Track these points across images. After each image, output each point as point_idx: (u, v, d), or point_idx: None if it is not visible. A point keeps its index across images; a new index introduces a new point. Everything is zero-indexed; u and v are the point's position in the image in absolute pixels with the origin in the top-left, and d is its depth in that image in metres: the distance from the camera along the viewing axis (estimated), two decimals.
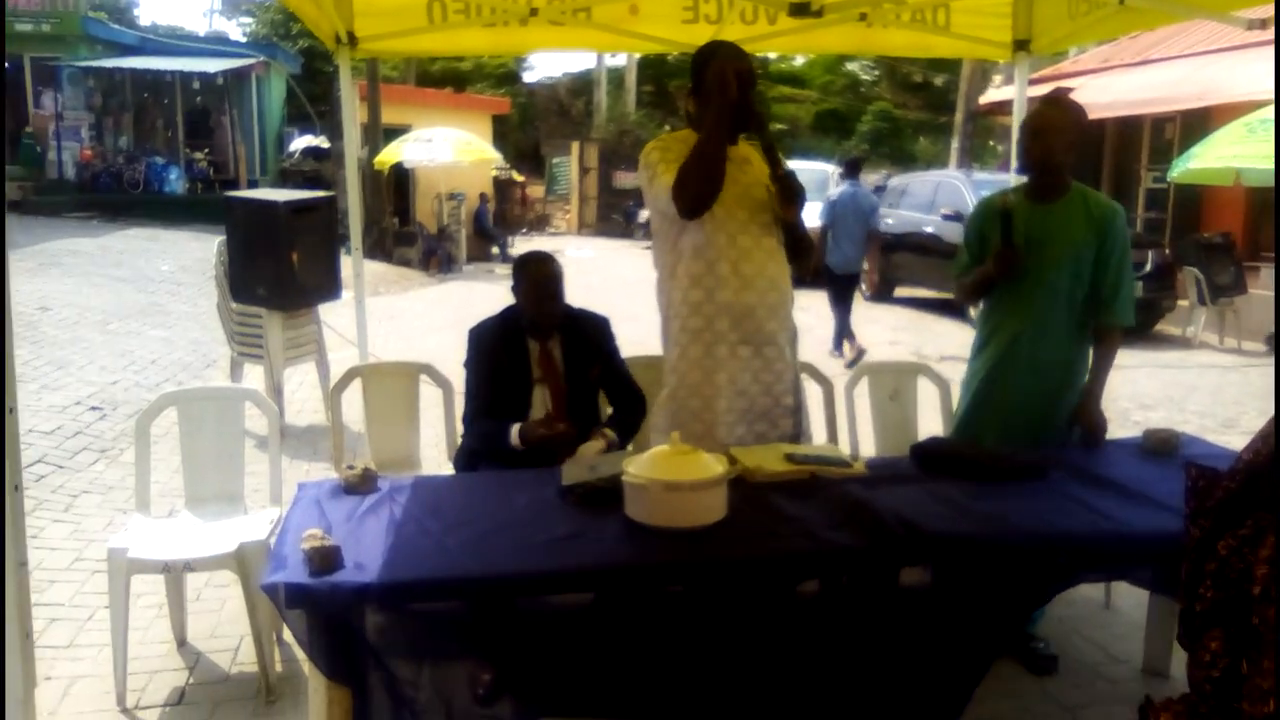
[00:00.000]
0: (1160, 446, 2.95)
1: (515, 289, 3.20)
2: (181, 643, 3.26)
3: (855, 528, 2.31)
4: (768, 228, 2.90)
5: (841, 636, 2.48)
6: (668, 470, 2.31)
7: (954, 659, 2.35)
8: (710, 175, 2.73)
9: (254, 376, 6.17)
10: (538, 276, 3.15)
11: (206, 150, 20.05)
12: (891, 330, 10.75)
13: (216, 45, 21.35)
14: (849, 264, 8.76)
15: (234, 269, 5.87)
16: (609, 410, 3.30)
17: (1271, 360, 9.10)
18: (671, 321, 2.96)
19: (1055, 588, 2.61)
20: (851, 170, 9.42)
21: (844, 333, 8.81)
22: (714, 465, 2.36)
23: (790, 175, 2.85)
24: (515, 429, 3.02)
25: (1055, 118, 3.04)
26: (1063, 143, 3.01)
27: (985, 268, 3.10)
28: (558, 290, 3.16)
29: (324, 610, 2.07)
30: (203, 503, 3.31)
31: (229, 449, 3.37)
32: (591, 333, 3.26)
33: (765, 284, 2.89)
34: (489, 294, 12.96)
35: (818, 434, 3.40)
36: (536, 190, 26.21)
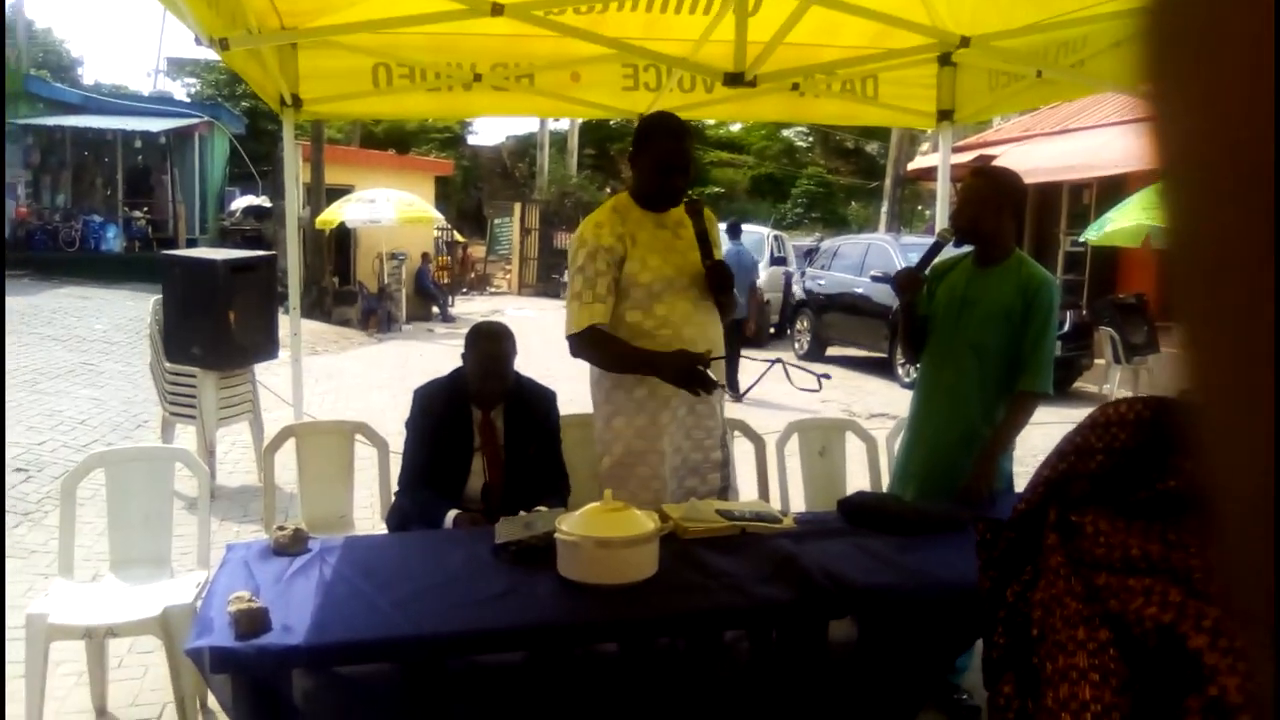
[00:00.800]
0: None
1: (464, 357, 3.21)
2: (101, 712, 3.16)
3: (784, 582, 2.36)
4: (705, 290, 2.97)
5: (771, 690, 2.51)
6: (600, 527, 2.34)
7: (881, 710, 2.39)
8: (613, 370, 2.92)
9: (186, 437, 6.07)
10: (486, 353, 3.15)
11: (146, 209, 19.76)
12: (823, 388, 10.92)
13: (160, 105, 21.20)
14: (736, 312, 9.52)
15: (169, 328, 5.80)
16: None
17: None
18: (615, 391, 2.97)
19: (975, 637, 2.68)
20: (734, 232, 10.84)
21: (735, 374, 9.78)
22: (645, 522, 2.39)
23: (720, 264, 2.95)
24: (451, 516, 3.00)
25: (979, 188, 3.15)
26: (987, 210, 3.11)
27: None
28: (505, 370, 3.17)
29: (250, 674, 2.04)
30: (128, 566, 3.24)
31: (157, 510, 3.31)
32: (535, 407, 3.26)
33: (705, 345, 2.93)
34: (428, 353, 12.95)
35: (749, 489, 3.46)
36: (478, 250, 26.31)
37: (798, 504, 3.70)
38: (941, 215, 5.00)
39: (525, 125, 32.21)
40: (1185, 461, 1.36)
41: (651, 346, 2.87)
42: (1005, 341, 3.10)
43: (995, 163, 13.60)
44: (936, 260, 3.31)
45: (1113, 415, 1.45)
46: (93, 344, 10.61)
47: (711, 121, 31.86)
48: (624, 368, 2.89)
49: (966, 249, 3.25)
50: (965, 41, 3.91)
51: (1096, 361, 10.87)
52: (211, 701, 2.99)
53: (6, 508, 5.19)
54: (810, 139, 33.92)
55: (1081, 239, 10.09)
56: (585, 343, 2.90)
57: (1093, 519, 1.42)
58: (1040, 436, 7.34)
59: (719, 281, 2.93)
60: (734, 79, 4.07)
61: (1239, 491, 0.35)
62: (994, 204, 3.13)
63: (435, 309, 19.01)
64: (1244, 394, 0.34)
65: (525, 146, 31.95)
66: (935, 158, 9.54)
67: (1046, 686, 1.35)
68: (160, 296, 5.89)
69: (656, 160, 2.92)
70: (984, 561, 1.65)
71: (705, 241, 2.92)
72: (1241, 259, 0.33)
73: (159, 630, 2.88)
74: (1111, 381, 10.54)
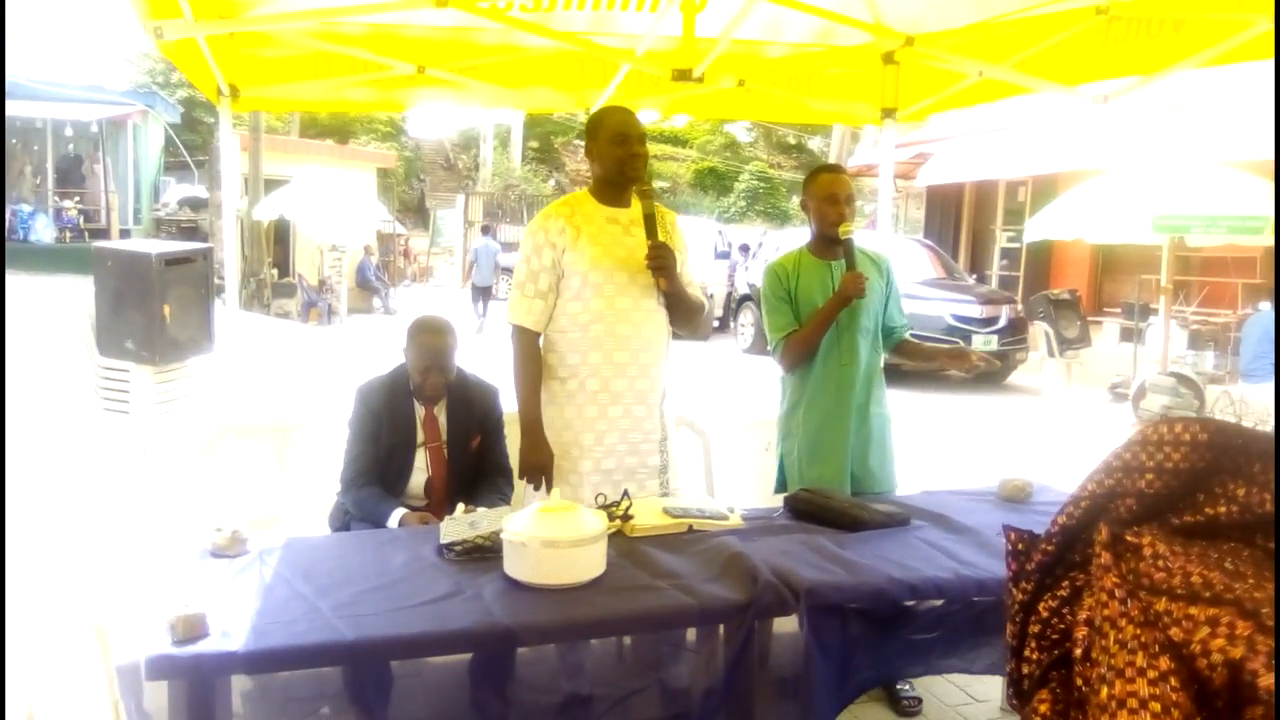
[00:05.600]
0: (1014, 494, 3.10)
1: (405, 352, 3.17)
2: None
3: (731, 579, 2.36)
4: (648, 289, 2.96)
5: (717, 686, 2.51)
6: (546, 528, 2.32)
7: (824, 702, 2.40)
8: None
9: (119, 432, 5.89)
10: (428, 346, 3.10)
11: (77, 198, 19.15)
12: (767, 383, 11.02)
13: (92, 92, 20.53)
14: (485, 280, 16.41)
15: (101, 321, 5.62)
16: None
17: (1113, 409, 9.75)
18: (549, 383, 3.01)
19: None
20: (485, 230, 18.86)
21: (482, 315, 16.09)
22: (592, 521, 2.39)
23: (661, 245, 2.89)
24: (398, 515, 2.97)
25: (848, 183, 3.35)
26: (852, 206, 3.37)
27: (829, 301, 3.21)
28: (446, 364, 3.12)
29: (188, 681, 1.99)
30: (61, 570, 3.15)
31: (90, 512, 3.22)
32: (478, 402, 3.23)
33: (640, 344, 2.95)
34: (369, 347, 12.76)
35: (697, 486, 3.46)
36: (421, 242, 26.07)
37: (744, 500, 3.72)
38: (884, 210, 5.06)
39: (468, 117, 31.85)
40: (1239, 488, 1.33)
41: (584, 341, 2.92)
42: (879, 319, 3.36)
43: (932, 160, 13.82)
44: (775, 264, 3.42)
45: (1166, 434, 1.38)
46: (21, 335, 10.28)
47: (656, 116, 31.84)
48: (519, 395, 2.99)
49: (794, 248, 3.42)
50: (909, 41, 3.96)
51: (1031, 355, 11.12)
52: (147, 704, 2.92)
53: None
54: (753, 134, 34.14)
55: (1023, 240, 10.30)
56: (515, 339, 3.01)
57: (1151, 540, 1.35)
58: (976, 429, 7.54)
59: (656, 261, 2.86)
60: (682, 75, 4.08)
61: None
62: (854, 196, 3.41)
63: (377, 301, 18.79)
64: None
65: (469, 139, 31.64)
66: (876, 153, 9.70)
67: (1101, 712, 1.29)
68: (93, 289, 5.71)
69: (612, 134, 2.91)
70: (1015, 573, 1.56)
71: (651, 222, 2.89)
72: None
73: (92, 637, 2.79)
74: (1045, 374, 10.80)
